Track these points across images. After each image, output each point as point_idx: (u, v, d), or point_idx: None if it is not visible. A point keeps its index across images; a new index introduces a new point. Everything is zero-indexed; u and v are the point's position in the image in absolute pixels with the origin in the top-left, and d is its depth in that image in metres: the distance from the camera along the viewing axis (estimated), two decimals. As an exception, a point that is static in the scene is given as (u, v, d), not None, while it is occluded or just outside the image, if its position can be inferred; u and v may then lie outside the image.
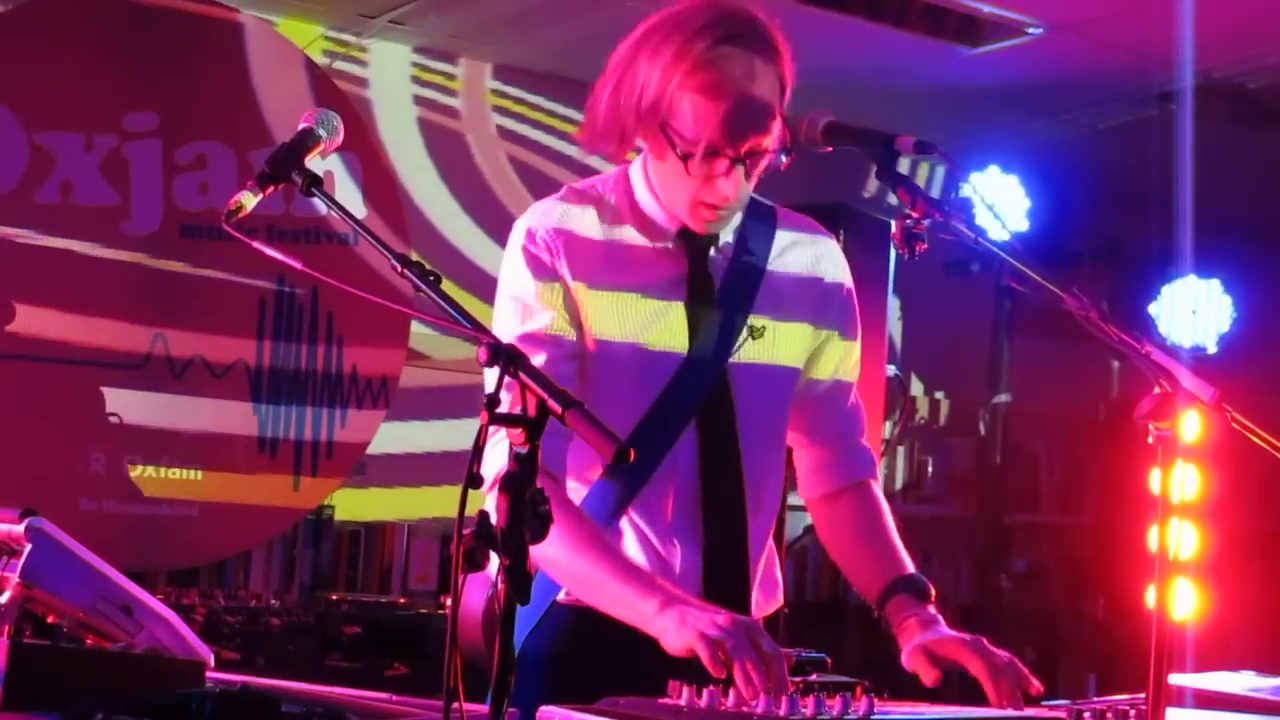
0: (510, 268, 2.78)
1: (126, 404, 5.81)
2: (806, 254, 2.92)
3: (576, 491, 2.74)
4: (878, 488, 3.01)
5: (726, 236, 2.82)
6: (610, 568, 2.58)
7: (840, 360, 2.96)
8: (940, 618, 2.75)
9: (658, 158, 2.71)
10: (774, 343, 2.83)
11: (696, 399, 2.75)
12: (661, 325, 2.74)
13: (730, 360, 2.78)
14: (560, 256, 2.74)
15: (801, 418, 2.94)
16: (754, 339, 2.80)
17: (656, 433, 2.71)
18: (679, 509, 2.74)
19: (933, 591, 2.81)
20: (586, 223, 2.78)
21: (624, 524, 2.74)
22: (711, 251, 2.80)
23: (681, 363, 2.74)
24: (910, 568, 2.87)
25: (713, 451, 2.76)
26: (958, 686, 2.85)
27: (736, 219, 2.83)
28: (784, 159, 2.70)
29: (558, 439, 2.24)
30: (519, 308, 2.74)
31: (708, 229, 2.76)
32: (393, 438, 6.67)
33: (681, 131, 2.63)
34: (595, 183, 2.86)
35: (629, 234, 2.79)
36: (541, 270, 2.74)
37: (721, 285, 2.80)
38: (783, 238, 2.90)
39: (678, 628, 2.43)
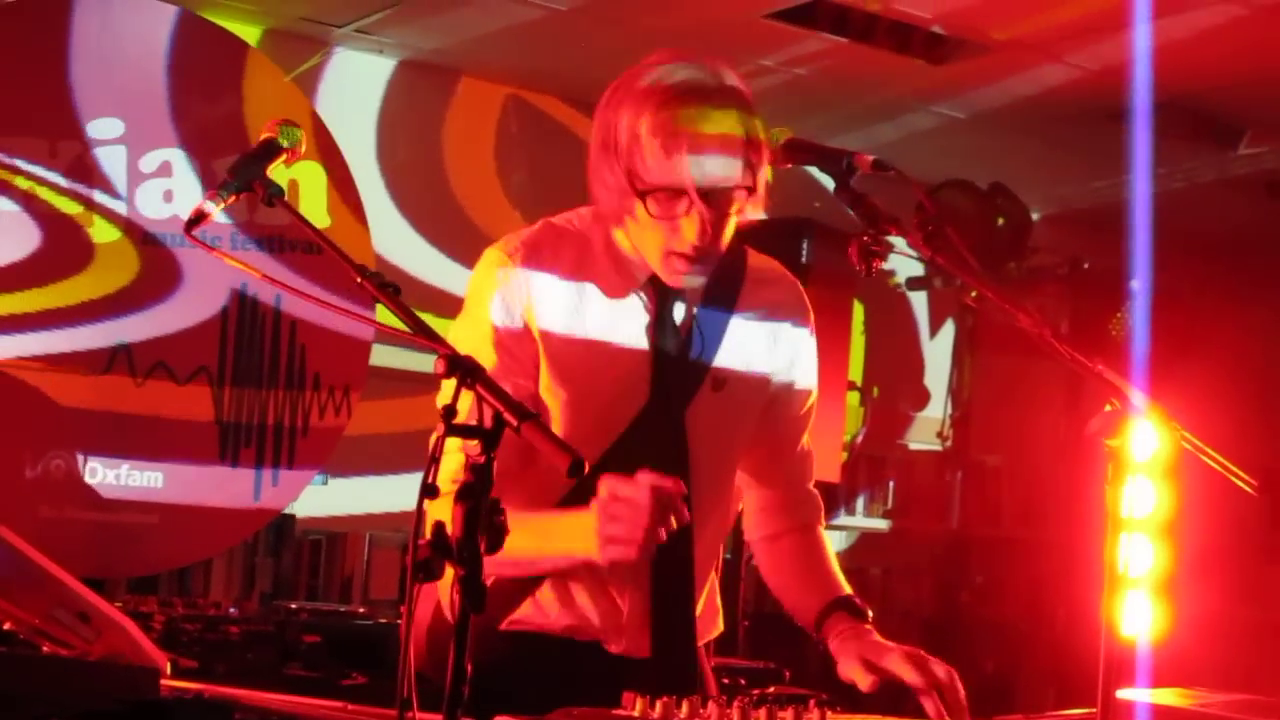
0: (474, 301, 2.77)
1: (88, 411, 5.79)
2: (773, 305, 2.92)
3: None
4: (822, 530, 3.03)
5: (694, 285, 2.80)
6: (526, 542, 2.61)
7: (796, 408, 2.97)
8: (876, 634, 2.77)
9: (627, 212, 2.70)
10: (733, 394, 2.83)
11: (652, 448, 2.74)
12: (623, 374, 2.75)
13: (688, 411, 2.79)
14: (527, 297, 2.73)
15: (752, 460, 2.95)
16: (714, 391, 2.81)
17: None
18: None
19: (870, 614, 2.83)
20: (558, 263, 2.77)
21: (575, 563, 2.73)
22: (678, 302, 2.79)
23: (639, 412, 2.75)
24: (847, 590, 2.88)
25: None
26: (914, 700, 2.86)
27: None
28: (752, 203, 2.70)
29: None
30: (474, 349, 2.72)
31: (684, 282, 2.75)
32: (355, 448, 6.67)
33: (643, 175, 2.63)
34: (573, 218, 2.85)
35: (599, 277, 2.78)
36: (506, 312, 2.73)
37: (686, 336, 2.80)
38: (751, 288, 2.90)
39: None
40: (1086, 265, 8.37)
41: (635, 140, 2.63)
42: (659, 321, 2.78)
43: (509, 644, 2.70)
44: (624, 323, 2.77)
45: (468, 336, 2.73)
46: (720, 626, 2.99)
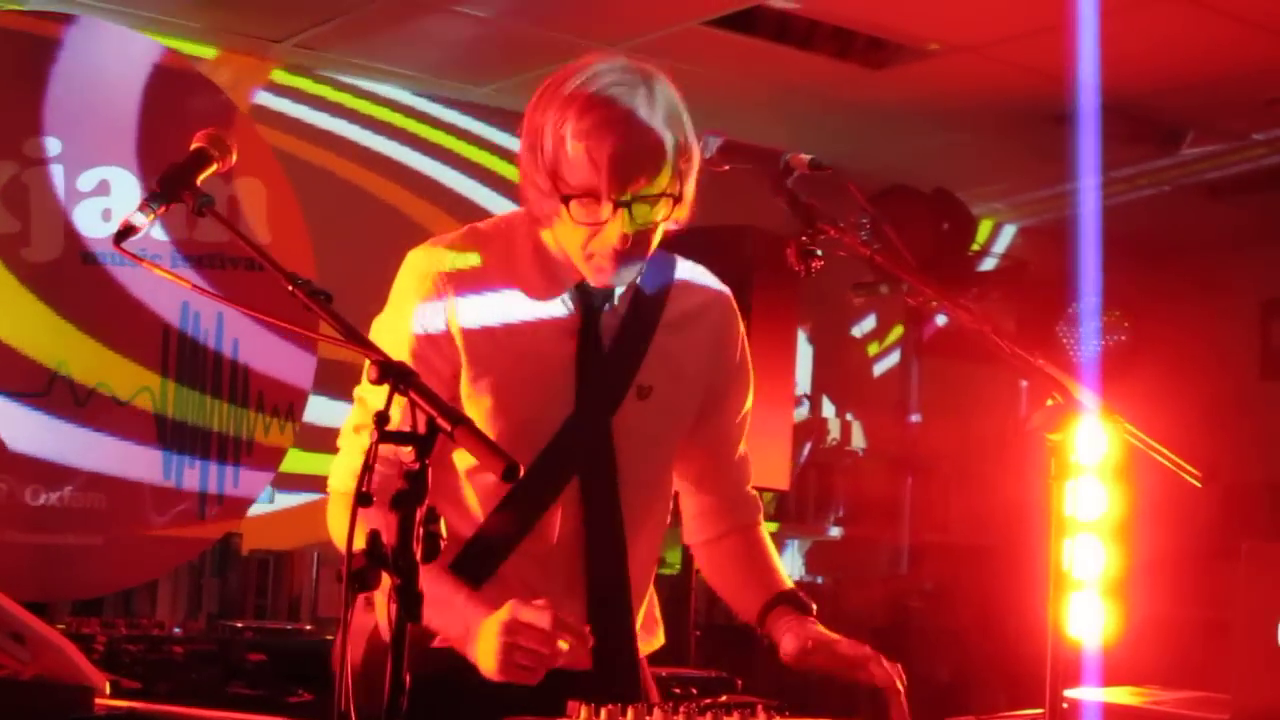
0: (395, 306, 2.76)
1: (28, 433, 5.73)
2: (700, 313, 2.91)
3: (460, 538, 2.72)
4: (763, 529, 3.03)
5: (620, 290, 2.79)
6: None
7: (730, 415, 2.97)
8: (821, 627, 2.79)
9: (554, 213, 2.67)
10: (661, 402, 2.81)
11: (579, 456, 2.75)
12: (549, 382, 2.73)
13: (614, 419, 2.77)
14: (449, 305, 2.71)
15: (689, 467, 2.96)
16: (640, 399, 2.78)
17: (539, 487, 2.70)
18: (561, 562, 2.75)
19: (814, 608, 2.84)
20: (483, 268, 2.74)
21: (507, 572, 2.73)
22: (605, 308, 2.77)
23: (566, 420, 2.73)
24: (789, 585, 2.90)
25: (594, 507, 2.76)
26: (868, 704, 2.86)
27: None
28: (680, 210, 2.68)
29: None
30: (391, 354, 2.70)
31: (610, 282, 2.72)
32: (301, 464, 6.62)
33: (567, 177, 2.60)
34: (500, 223, 2.83)
35: (525, 282, 2.75)
36: (427, 320, 2.71)
37: (611, 344, 2.77)
38: (677, 295, 2.87)
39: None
40: (1031, 268, 8.40)
41: (559, 144, 2.59)
42: (584, 329, 2.75)
43: (445, 660, 2.62)
44: (549, 329, 2.74)
45: (387, 342, 2.69)
46: (661, 639, 2.97)
